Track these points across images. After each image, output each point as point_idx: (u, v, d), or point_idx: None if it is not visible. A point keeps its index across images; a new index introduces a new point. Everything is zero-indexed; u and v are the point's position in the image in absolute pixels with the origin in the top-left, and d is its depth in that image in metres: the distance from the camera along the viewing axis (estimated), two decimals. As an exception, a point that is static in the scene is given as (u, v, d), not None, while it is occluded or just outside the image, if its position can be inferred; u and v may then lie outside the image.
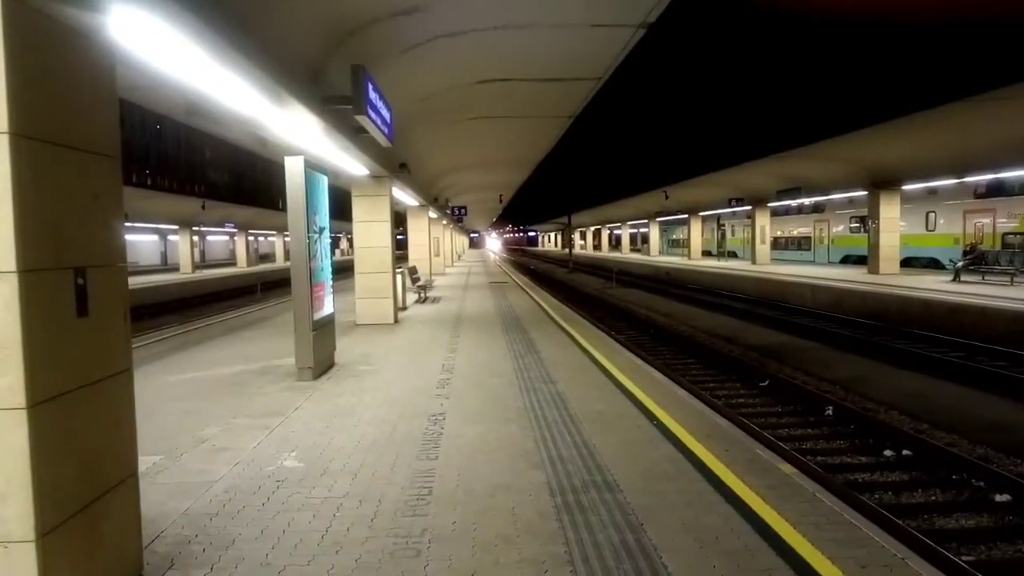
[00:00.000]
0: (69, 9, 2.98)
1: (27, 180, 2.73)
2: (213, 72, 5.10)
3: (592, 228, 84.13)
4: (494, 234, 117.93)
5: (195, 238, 44.06)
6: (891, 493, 7.07)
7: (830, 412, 9.78)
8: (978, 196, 25.35)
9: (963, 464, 7.46)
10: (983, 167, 20.70)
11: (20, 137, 2.69)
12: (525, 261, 75.29)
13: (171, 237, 59.60)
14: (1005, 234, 24.18)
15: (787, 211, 38.12)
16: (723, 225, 47.04)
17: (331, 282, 9.71)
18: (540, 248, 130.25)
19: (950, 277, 21.45)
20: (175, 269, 44.05)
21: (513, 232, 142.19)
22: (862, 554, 3.77)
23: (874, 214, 25.08)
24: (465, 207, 36.38)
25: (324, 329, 9.21)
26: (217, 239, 72.13)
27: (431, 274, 26.90)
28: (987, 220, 24.97)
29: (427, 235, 26.71)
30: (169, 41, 4.18)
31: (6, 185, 2.66)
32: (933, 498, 6.95)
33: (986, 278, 20.58)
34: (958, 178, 22.36)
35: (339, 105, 7.90)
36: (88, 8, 3.08)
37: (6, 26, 2.63)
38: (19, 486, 2.72)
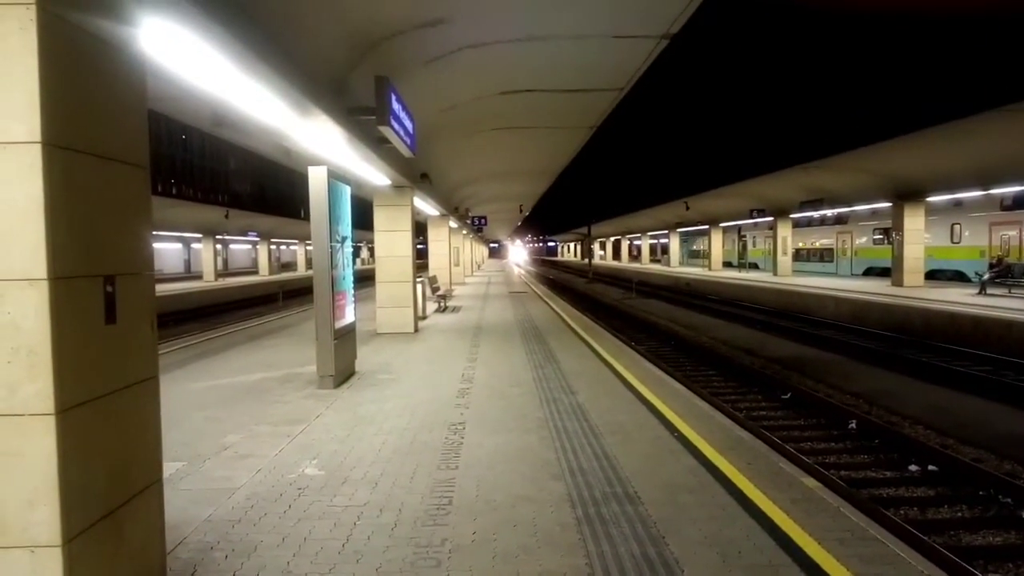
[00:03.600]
0: (101, 21, 3.03)
1: (59, 189, 2.77)
2: (240, 83, 5.18)
3: (612, 238, 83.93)
4: (516, 242, 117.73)
5: (218, 247, 44.47)
6: (917, 509, 6.96)
7: (854, 426, 9.66)
8: (1004, 208, 24.97)
9: (990, 480, 7.33)
10: (1010, 179, 20.42)
11: (53, 147, 2.74)
12: (544, 271, 75.25)
13: (194, 245, 60.22)
14: (1032, 247, 23.81)
15: (809, 222, 37.79)
16: (744, 236, 46.74)
17: (352, 291, 9.77)
18: (560, 258, 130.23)
19: (976, 290, 21.14)
20: (198, 277, 44.49)
21: (533, 242, 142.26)
22: (888, 571, 3.71)
23: (898, 226, 24.80)
24: (485, 217, 36.42)
25: (345, 338, 9.25)
26: (240, 247, 72.81)
27: (451, 284, 26.96)
28: (1014, 232, 24.59)
29: (447, 245, 26.79)
30: (198, 53, 4.25)
31: (38, 194, 2.70)
32: (960, 514, 6.83)
33: (1013, 291, 20.26)
34: (984, 190, 22.07)
35: (363, 116, 7.97)
36: (120, 20, 3.14)
37: (40, 38, 2.68)
38: (46, 491, 2.75)
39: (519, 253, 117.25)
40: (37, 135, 2.69)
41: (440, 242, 26.48)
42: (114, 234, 3.19)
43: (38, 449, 2.74)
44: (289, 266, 68.98)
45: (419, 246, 23.16)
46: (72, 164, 2.87)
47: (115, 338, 3.15)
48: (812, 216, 34.71)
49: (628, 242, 78.95)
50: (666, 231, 54.65)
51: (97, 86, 3.08)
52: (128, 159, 3.28)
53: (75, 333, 2.86)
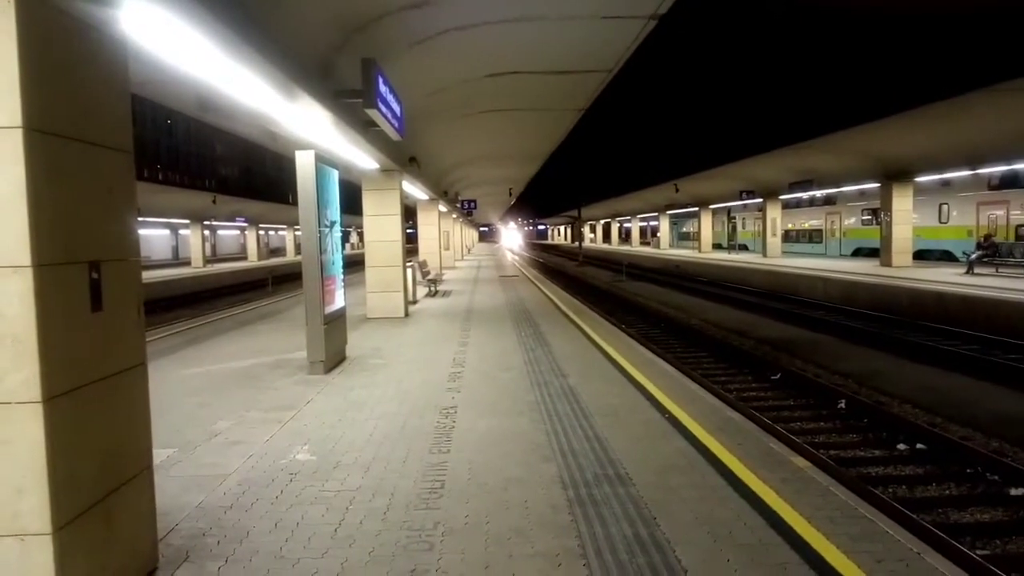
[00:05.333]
0: (82, 3, 2.97)
1: (41, 175, 2.73)
2: (225, 67, 5.10)
3: (602, 221, 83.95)
4: (509, 225, 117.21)
5: (206, 232, 44.17)
6: (905, 487, 7.03)
7: (843, 405, 9.73)
8: (992, 188, 25.12)
9: (978, 458, 7.41)
10: (997, 158, 20.49)
11: (34, 132, 2.69)
12: (534, 255, 75.23)
13: (182, 232, 59.83)
14: (1019, 226, 23.97)
15: (798, 203, 37.92)
16: (733, 218, 46.82)
17: (342, 276, 9.73)
18: (550, 241, 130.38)
19: (963, 269, 21.28)
20: (187, 263, 44.24)
21: (524, 225, 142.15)
22: (877, 548, 3.75)
23: (887, 206, 24.87)
24: (474, 201, 36.35)
25: (335, 323, 9.23)
26: (228, 233, 72.44)
27: (441, 268, 26.91)
28: (1001, 212, 24.74)
29: (437, 229, 26.70)
30: (181, 36, 4.18)
31: (20, 180, 2.66)
32: (948, 492, 6.90)
33: (1000, 270, 20.42)
34: (972, 170, 22.15)
35: (350, 99, 7.90)
36: (101, 3, 3.08)
37: (19, 21, 2.63)
38: (35, 480, 2.73)
39: (511, 236, 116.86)
40: (18, 120, 2.65)
41: (430, 226, 26.39)
42: (99, 220, 3.15)
43: (26, 437, 2.72)
44: (278, 251, 68.74)
45: (409, 230, 23.11)
46: (55, 149, 2.83)
47: (102, 325, 3.12)
48: (801, 197, 34.83)
49: (618, 225, 78.96)
50: (656, 213, 54.68)
51: (79, 70, 3.03)
52: (112, 144, 3.24)
53: (61, 321, 2.84)
